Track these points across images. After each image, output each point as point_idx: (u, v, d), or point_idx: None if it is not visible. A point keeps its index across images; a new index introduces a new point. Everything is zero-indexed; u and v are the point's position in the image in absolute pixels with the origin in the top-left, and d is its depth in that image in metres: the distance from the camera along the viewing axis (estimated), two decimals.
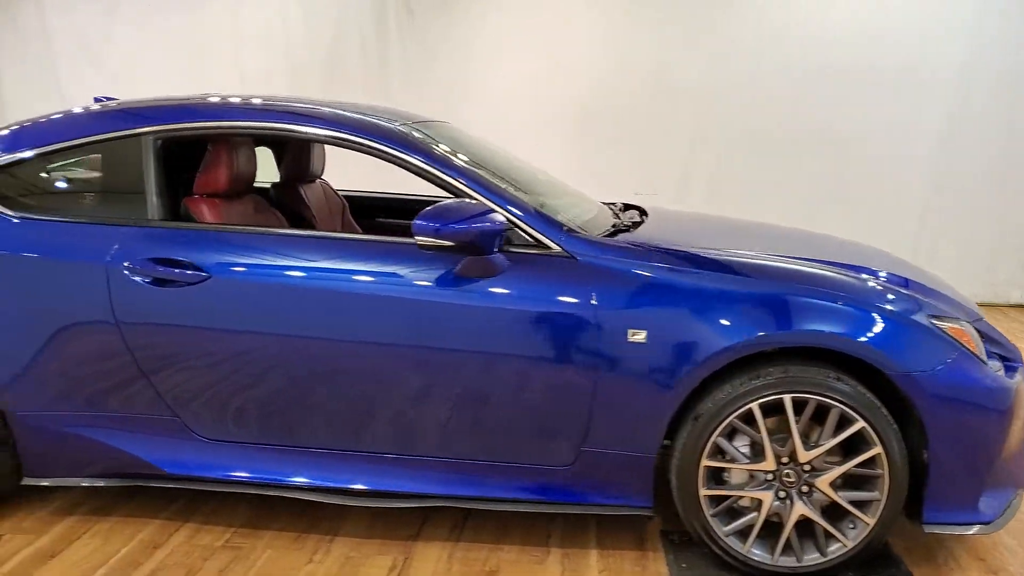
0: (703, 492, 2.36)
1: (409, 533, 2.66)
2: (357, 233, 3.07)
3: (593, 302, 2.31)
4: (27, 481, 2.61)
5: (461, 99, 6.60)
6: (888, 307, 2.34)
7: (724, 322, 2.26)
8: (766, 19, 6.06)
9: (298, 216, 3.31)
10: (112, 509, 2.77)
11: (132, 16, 6.74)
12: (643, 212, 3.09)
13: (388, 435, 2.48)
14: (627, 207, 3.27)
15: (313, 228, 3.22)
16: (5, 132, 2.71)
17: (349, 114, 2.63)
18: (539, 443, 2.44)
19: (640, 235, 2.61)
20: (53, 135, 2.63)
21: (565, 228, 2.43)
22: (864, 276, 2.53)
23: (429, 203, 3.77)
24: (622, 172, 6.42)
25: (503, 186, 2.50)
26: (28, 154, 2.61)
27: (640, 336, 2.28)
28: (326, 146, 3.43)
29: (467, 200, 2.37)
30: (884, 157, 5.99)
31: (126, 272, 2.43)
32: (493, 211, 2.34)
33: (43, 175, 2.66)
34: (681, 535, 2.63)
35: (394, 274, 2.39)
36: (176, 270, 2.43)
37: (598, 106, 6.41)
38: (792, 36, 6.00)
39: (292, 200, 3.34)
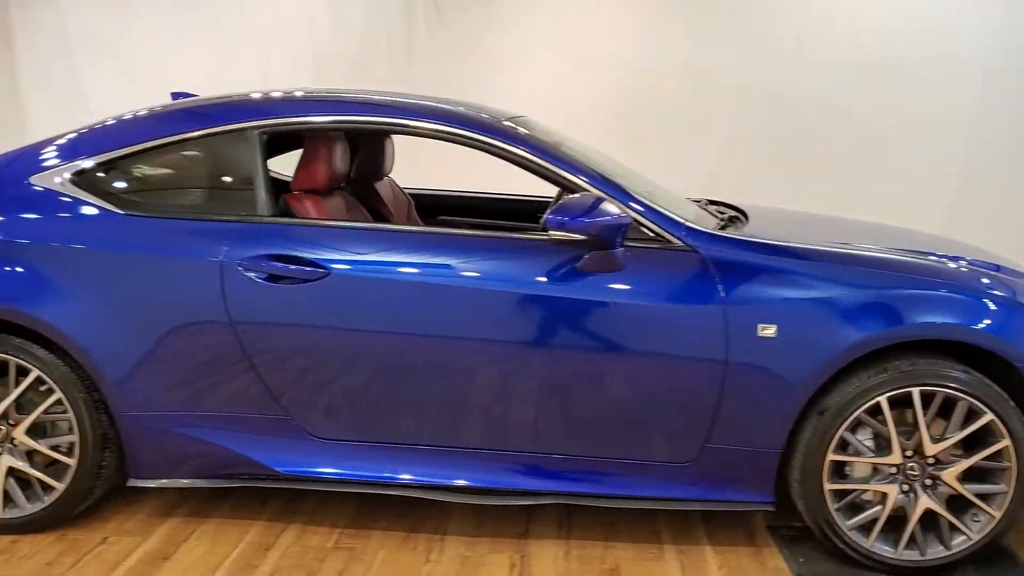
0: (828, 486, 2.36)
1: (518, 531, 2.64)
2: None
3: (721, 296, 2.30)
4: (132, 482, 2.56)
5: (490, 98, 6.55)
6: (1002, 295, 2.36)
7: (855, 316, 2.26)
8: (799, 15, 6.09)
9: (376, 213, 3.27)
10: (209, 511, 2.72)
11: (150, 12, 6.64)
12: (734, 208, 3.08)
13: (507, 432, 2.46)
14: (710, 203, 3.26)
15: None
16: (107, 127, 2.66)
17: (464, 111, 2.60)
18: (661, 440, 2.43)
19: (753, 230, 2.60)
20: (155, 131, 2.58)
21: (686, 222, 2.42)
22: (970, 266, 2.55)
23: (493, 199, 3.84)
24: (652, 170, 6.42)
25: (620, 182, 2.48)
26: (131, 150, 2.55)
27: (770, 331, 2.27)
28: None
29: (591, 194, 2.35)
30: (916, 153, 6.05)
31: (240, 269, 2.39)
32: (617, 206, 2.31)
33: (146, 171, 2.61)
34: (789, 530, 2.63)
35: (515, 270, 2.37)
36: (293, 267, 2.39)
37: (630, 104, 6.41)
38: (827, 31, 6.04)
39: (369, 197, 3.30)
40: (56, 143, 2.63)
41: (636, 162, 6.41)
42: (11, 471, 2.52)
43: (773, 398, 2.32)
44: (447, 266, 2.39)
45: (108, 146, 2.56)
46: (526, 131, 2.60)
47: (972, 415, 2.29)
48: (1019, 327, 2.31)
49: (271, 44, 6.51)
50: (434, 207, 3.91)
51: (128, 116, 2.69)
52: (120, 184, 2.58)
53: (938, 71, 5.93)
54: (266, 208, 2.49)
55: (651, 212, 2.40)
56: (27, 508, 2.54)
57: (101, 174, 2.55)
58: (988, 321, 2.29)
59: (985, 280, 2.44)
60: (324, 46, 6.50)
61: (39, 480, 2.53)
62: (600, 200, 2.29)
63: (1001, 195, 6.04)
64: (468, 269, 2.38)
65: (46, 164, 2.56)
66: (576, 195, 2.33)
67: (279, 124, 2.55)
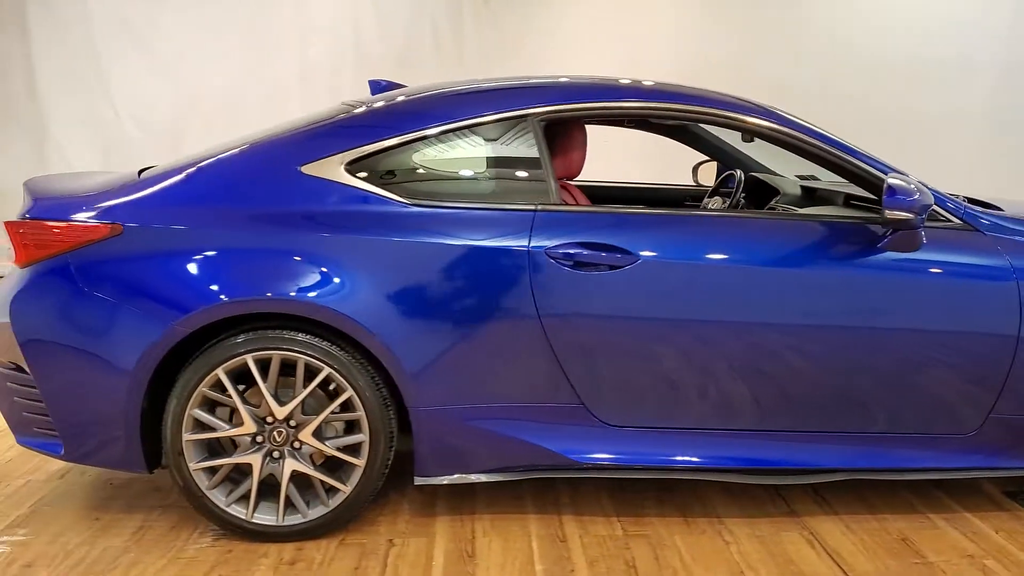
0: None
1: (782, 509, 2.70)
2: None
3: (1013, 273, 2.42)
4: (419, 481, 2.47)
5: None
6: None
7: None
8: (840, 13, 6.38)
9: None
10: (463, 506, 2.66)
11: (180, 4, 6.34)
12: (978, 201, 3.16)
13: (805, 412, 2.51)
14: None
15: None
16: (375, 114, 2.56)
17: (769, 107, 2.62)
18: (947, 412, 2.53)
19: (1016, 213, 2.69)
20: (432, 117, 2.50)
21: (965, 204, 2.54)
22: None
23: (639, 188, 3.85)
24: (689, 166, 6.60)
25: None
26: (406, 138, 2.46)
27: None
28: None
29: (905, 177, 2.40)
30: (954, 147, 6.42)
31: (547, 257, 2.35)
32: (918, 187, 2.39)
33: (423, 159, 2.53)
34: None
35: (824, 252, 2.43)
36: (604, 254, 2.37)
37: None
38: (870, 28, 6.35)
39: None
40: (317, 130, 2.51)
41: (679, 159, 6.57)
42: (294, 476, 2.40)
43: None
44: (752, 250, 2.43)
45: (381, 134, 2.47)
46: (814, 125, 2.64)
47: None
48: None
49: (314, 38, 6.32)
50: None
51: (394, 103, 2.60)
52: (397, 172, 2.49)
53: (967, 68, 6.31)
54: (556, 196, 2.46)
55: (936, 194, 2.50)
56: (308, 514, 2.42)
57: (376, 163, 2.46)
58: None
59: None
60: (369, 40, 6.35)
61: (322, 483, 2.41)
62: (909, 180, 2.36)
63: None
64: (779, 252, 2.42)
65: (316, 153, 2.45)
66: (897, 179, 2.36)
67: (560, 111, 2.53)
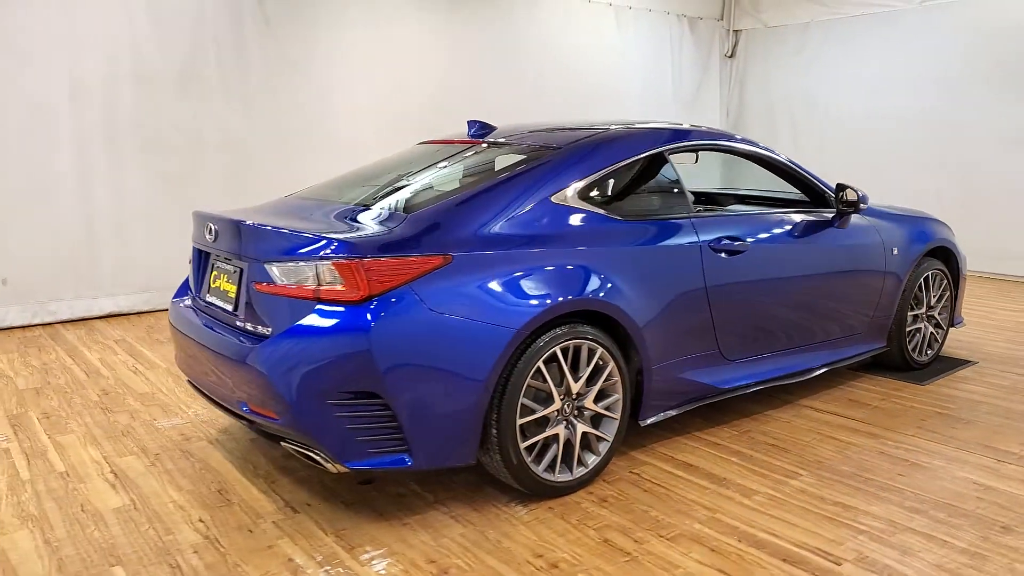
0: None
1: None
2: None
3: (880, 238, 4.28)
4: (642, 423, 3.32)
5: (324, 111, 6.96)
6: None
7: None
8: (548, 57, 8.10)
9: None
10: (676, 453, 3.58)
11: None
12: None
13: (806, 330, 4.01)
14: None
15: None
16: (581, 153, 3.27)
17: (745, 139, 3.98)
18: (856, 320, 4.28)
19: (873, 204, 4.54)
20: (615, 155, 3.34)
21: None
22: None
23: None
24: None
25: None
26: (608, 169, 3.29)
27: None
28: None
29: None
30: None
31: (709, 249, 3.46)
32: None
33: (615, 185, 3.34)
34: None
35: (820, 231, 3.98)
36: (736, 243, 3.56)
37: (436, 115, 7.57)
38: (560, 69, 8.16)
39: None
40: (554, 168, 3.17)
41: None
42: (583, 437, 3.07)
43: None
44: (789, 234, 3.84)
45: (594, 168, 3.24)
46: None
47: None
48: None
49: (85, 52, 5.76)
50: None
51: (590, 140, 3.36)
52: (604, 196, 3.29)
53: None
54: (692, 206, 3.54)
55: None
56: (589, 465, 3.11)
57: (591, 189, 3.23)
58: None
59: None
60: (149, 55, 6.07)
61: (597, 438, 3.13)
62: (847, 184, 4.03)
63: None
64: (806, 234, 3.89)
65: (558, 185, 3.12)
66: (844, 183, 4.00)
67: (683, 147, 3.59)
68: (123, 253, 6.16)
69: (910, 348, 4.61)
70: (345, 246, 2.66)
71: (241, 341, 2.82)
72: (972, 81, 7.83)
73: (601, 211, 3.21)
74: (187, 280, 3.61)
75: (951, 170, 8.05)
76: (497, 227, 2.93)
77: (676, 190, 3.59)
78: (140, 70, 6.05)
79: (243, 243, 2.91)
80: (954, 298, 4.88)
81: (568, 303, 2.95)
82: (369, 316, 2.61)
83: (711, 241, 3.48)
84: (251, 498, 3.05)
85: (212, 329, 3.01)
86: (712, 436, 3.70)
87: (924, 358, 4.74)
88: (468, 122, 3.87)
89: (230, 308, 3.00)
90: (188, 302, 3.45)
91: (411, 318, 2.66)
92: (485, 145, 3.67)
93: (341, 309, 2.63)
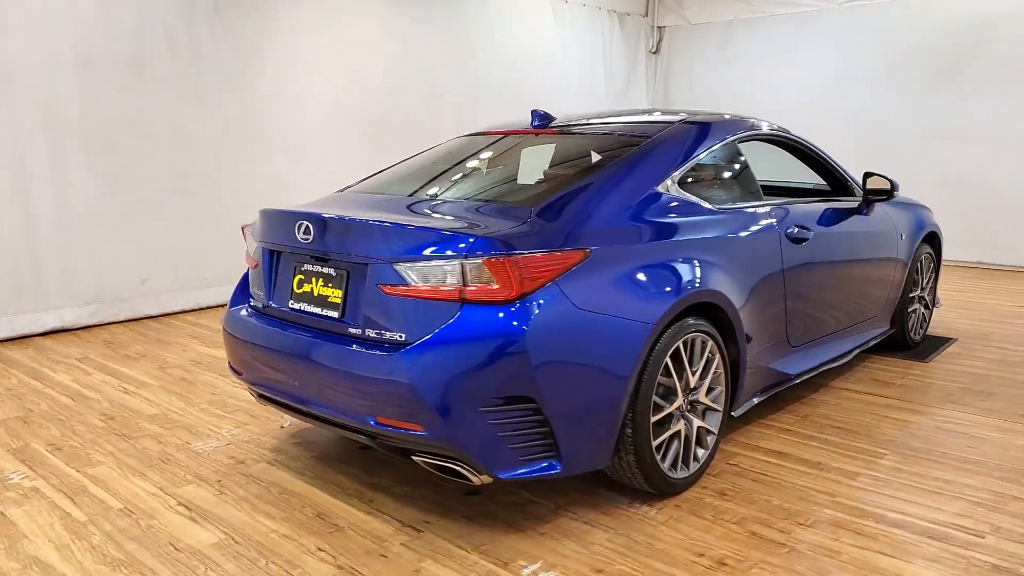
0: None
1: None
2: None
3: (895, 227, 4.49)
4: (735, 413, 3.30)
5: (276, 103, 6.54)
6: None
7: None
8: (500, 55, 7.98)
9: None
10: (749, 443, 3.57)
11: None
12: None
13: (847, 314, 4.15)
14: None
15: None
16: (671, 143, 3.20)
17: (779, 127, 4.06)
18: (879, 303, 4.47)
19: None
20: (707, 138, 3.33)
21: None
22: None
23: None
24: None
25: None
26: (693, 160, 3.25)
27: None
28: None
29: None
30: None
31: (785, 237, 3.49)
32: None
33: (703, 172, 3.31)
34: None
35: (857, 218, 4.11)
36: (807, 232, 3.60)
37: (384, 111, 7.30)
38: (503, 61, 8.09)
39: None
40: (652, 157, 3.10)
41: (390, 158, 7.73)
42: (697, 432, 3.02)
43: None
44: (835, 224, 3.94)
45: (686, 156, 3.20)
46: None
47: None
48: None
49: (17, 34, 5.14)
50: None
51: (676, 129, 3.30)
52: (695, 184, 3.25)
53: None
54: (762, 195, 3.57)
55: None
56: (700, 459, 3.07)
57: (683, 178, 3.18)
58: None
59: None
60: (92, 39, 5.51)
61: (706, 431, 3.09)
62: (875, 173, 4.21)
63: None
64: (852, 222, 4.01)
65: (660, 175, 3.05)
66: (871, 172, 4.16)
67: (753, 136, 3.61)
68: (67, 261, 5.53)
69: (908, 328, 4.87)
70: (495, 243, 2.48)
71: (360, 350, 2.58)
72: (892, 78, 8.39)
73: (700, 200, 3.17)
74: (242, 286, 3.26)
75: (874, 163, 8.58)
76: (621, 219, 2.83)
77: (751, 179, 3.60)
78: (84, 54, 5.44)
79: (363, 242, 2.64)
80: (935, 280, 5.20)
81: (692, 295, 2.89)
82: (525, 315, 2.44)
83: (786, 229, 3.52)
84: (359, 520, 2.79)
85: (312, 339, 2.73)
86: (778, 423, 3.75)
87: (917, 337, 5.02)
88: (532, 112, 3.71)
89: (335, 315, 2.72)
90: (247, 310, 3.12)
91: (561, 316, 2.52)
92: (562, 134, 3.55)
93: (495, 309, 2.45)
